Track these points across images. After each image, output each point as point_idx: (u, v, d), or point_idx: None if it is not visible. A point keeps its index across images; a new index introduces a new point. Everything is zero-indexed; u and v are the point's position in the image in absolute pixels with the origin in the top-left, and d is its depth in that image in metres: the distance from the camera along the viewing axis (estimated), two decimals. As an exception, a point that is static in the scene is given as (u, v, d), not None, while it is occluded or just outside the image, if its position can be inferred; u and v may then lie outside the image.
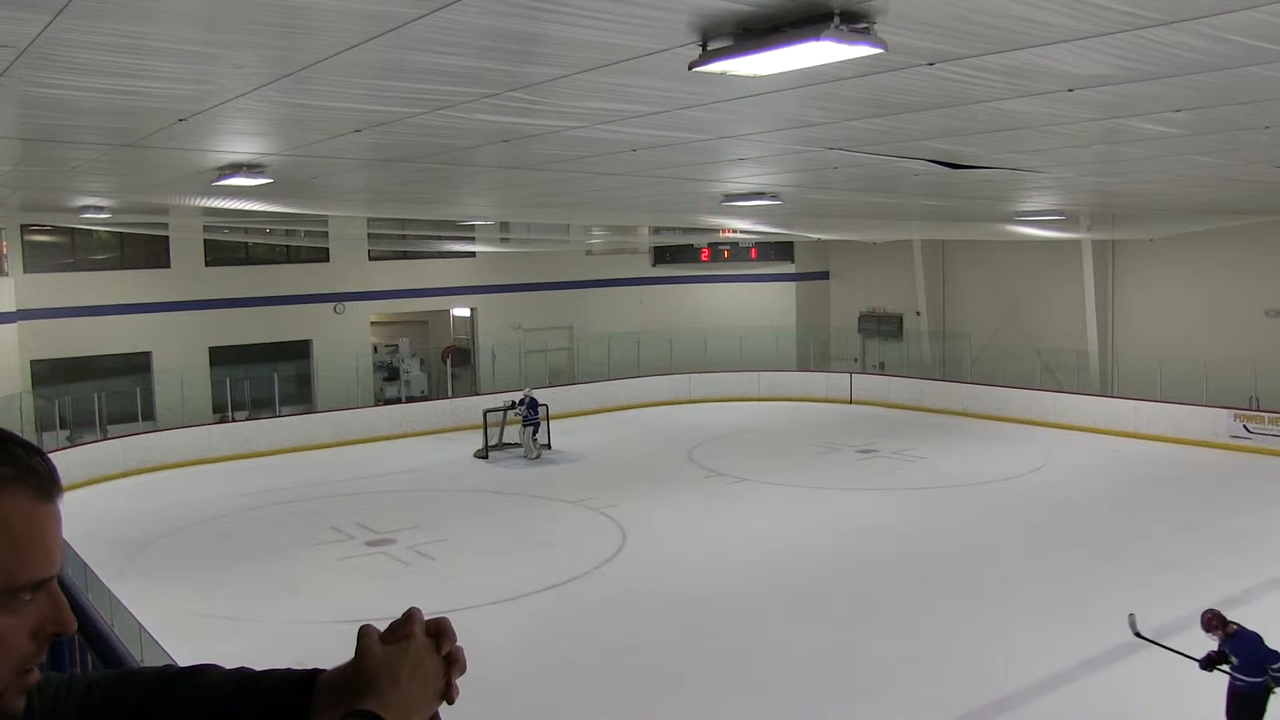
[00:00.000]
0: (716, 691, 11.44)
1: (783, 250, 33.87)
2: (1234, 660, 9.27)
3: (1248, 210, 20.82)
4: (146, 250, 26.15)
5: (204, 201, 14.93)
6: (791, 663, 11.98)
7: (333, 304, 28.96)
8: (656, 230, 30.88)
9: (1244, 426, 23.10)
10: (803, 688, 11.37)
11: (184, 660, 1.66)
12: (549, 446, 24.69)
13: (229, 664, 1.47)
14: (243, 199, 14.61)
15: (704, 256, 34.15)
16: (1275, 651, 9.18)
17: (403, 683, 1.29)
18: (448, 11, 4.40)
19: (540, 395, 24.89)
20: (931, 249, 31.56)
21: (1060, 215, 22.28)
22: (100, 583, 11.81)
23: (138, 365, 26.17)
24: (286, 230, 26.33)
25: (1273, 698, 9.19)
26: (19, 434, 1.23)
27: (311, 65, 5.63)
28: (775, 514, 18.85)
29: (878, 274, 33.24)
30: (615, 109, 7.36)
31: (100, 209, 17.68)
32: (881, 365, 32.83)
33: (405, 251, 29.91)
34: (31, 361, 24.58)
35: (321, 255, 28.79)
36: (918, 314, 32.19)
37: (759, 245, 33.28)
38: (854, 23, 4.39)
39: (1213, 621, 9.37)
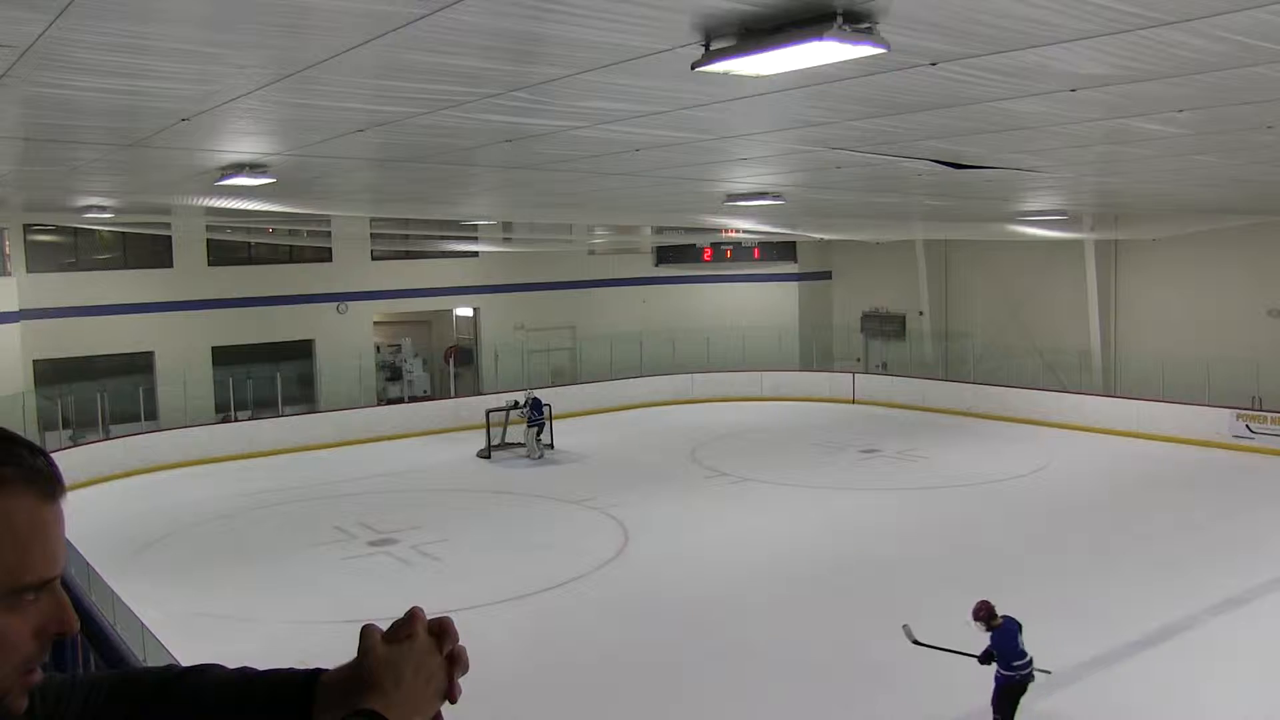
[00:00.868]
0: (718, 691, 11.45)
1: (785, 250, 33.86)
2: (995, 654, 9.69)
3: (1251, 210, 20.80)
4: (149, 250, 26.16)
5: (207, 201, 14.94)
6: (793, 662, 11.98)
7: (335, 304, 28.97)
8: (659, 230, 30.88)
9: (1246, 426, 23.08)
10: (804, 687, 11.37)
11: (186, 660, 1.66)
12: (551, 446, 24.70)
13: (231, 664, 1.47)
14: (245, 199, 14.61)
15: (707, 256, 34.13)
16: (1022, 650, 9.60)
17: (405, 682, 1.29)
18: (451, 11, 4.40)
19: (543, 395, 24.90)
20: (934, 249, 31.54)
21: (1063, 215, 22.26)
22: (103, 582, 11.82)
23: (140, 365, 26.19)
24: (289, 230, 26.35)
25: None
26: (21, 434, 1.23)
27: (314, 65, 5.63)
28: (778, 514, 18.85)
29: (880, 274, 33.23)
30: (618, 109, 7.36)
31: (103, 209, 17.68)
32: (884, 365, 32.83)
33: (408, 251, 29.92)
34: (34, 361, 24.60)
35: (324, 255, 28.80)
36: (920, 314, 32.17)
37: (762, 245, 33.26)
38: (857, 23, 4.39)
39: (980, 612, 9.76)
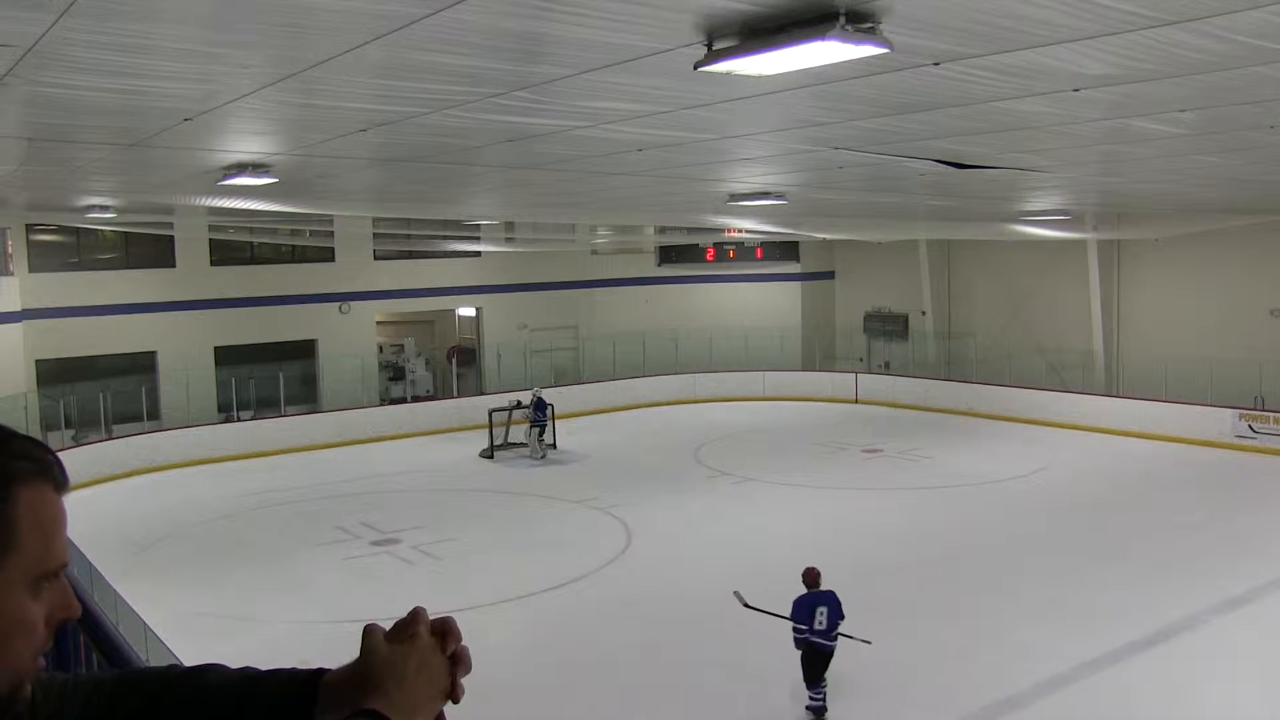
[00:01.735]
0: (719, 691, 11.44)
1: (788, 250, 33.84)
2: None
3: (1253, 210, 20.78)
4: (152, 250, 26.16)
5: (209, 201, 14.94)
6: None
7: (338, 304, 28.98)
8: (662, 230, 30.86)
9: (1249, 426, 23.06)
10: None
11: (189, 660, 1.66)
12: (554, 446, 24.70)
13: (234, 664, 1.47)
14: (248, 199, 14.62)
15: (709, 256, 34.12)
16: (806, 620, 10.48)
17: (408, 682, 1.29)
18: (453, 11, 4.40)
19: (546, 395, 24.91)
20: (937, 248, 31.53)
21: (1065, 215, 22.25)
22: (106, 582, 11.83)
23: (143, 365, 26.20)
24: (292, 230, 26.33)
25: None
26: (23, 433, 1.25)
27: (317, 65, 5.64)
28: (780, 514, 18.84)
29: (883, 274, 33.21)
30: (620, 109, 7.36)
31: (105, 209, 17.69)
32: (887, 365, 32.82)
33: (410, 251, 29.91)
34: (37, 361, 24.61)
35: (327, 255, 28.80)
36: (923, 314, 32.16)
37: (764, 245, 33.25)
38: (859, 23, 4.39)
39: (804, 577, 10.79)
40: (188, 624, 13.10)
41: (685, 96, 6.87)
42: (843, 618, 10.60)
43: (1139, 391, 25.78)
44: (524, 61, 5.74)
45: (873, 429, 26.85)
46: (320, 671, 1.38)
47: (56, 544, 1.21)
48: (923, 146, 9.78)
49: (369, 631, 1.34)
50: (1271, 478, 20.83)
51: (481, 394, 29.18)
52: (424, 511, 19.49)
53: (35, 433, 21.43)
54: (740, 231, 28.63)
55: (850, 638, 10.69)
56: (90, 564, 12.08)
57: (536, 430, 24.17)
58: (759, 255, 33.97)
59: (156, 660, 8.35)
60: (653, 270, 34.35)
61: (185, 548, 17.76)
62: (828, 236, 29.87)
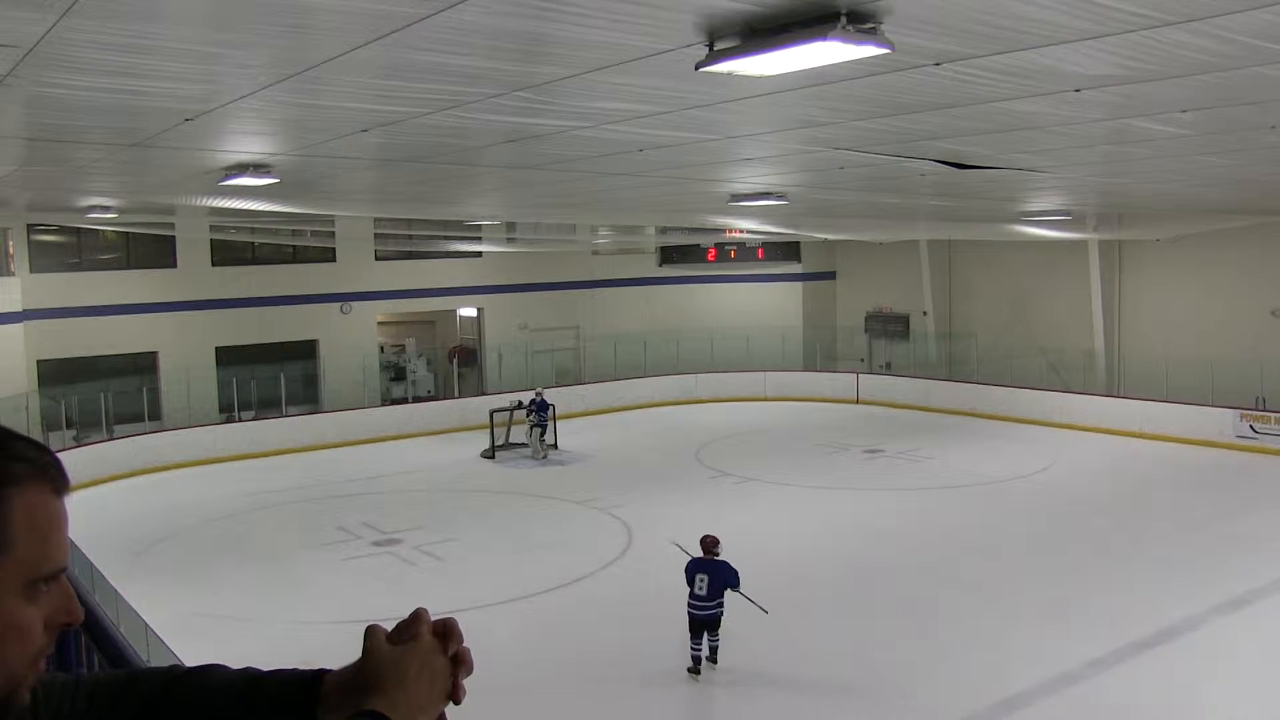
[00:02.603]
0: (720, 691, 11.44)
1: (789, 250, 33.84)
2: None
3: (1255, 210, 20.78)
4: (153, 250, 26.17)
5: (210, 202, 14.95)
6: (797, 662, 11.97)
7: (339, 304, 28.98)
8: (663, 230, 30.88)
9: (1250, 427, 23.05)
10: (807, 687, 11.36)
11: (190, 660, 1.66)
12: (555, 446, 24.70)
13: (235, 664, 1.47)
14: (249, 199, 14.62)
15: (711, 256, 34.11)
16: (693, 589, 11.49)
17: (409, 683, 1.29)
18: (454, 11, 4.40)
19: (547, 395, 24.91)
20: (938, 249, 31.52)
21: (1067, 215, 22.23)
22: (107, 583, 11.84)
23: (144, 365, 26.21)
24: (293, 230, 26.35)
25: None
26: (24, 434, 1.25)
27: (318, 65, 5.64)
28: (781, 514, 18.83)
29: (884, 274, 33.20)
30: (622, 109, 7.36)
31: (106, 209, 17.70)
32: (888, 365, 32.82)
33: (412, 251, 29.92)
34: (38, 361, 24.62)
35: (328, 255, 28.80)
36: (924, 314, 32.15)
37: (765, 245, 33.24)
38: (861, 23, 4.39)
39: (703, 541, 11.80)
40: (189, 624, 13.10)
41: (686, 97, 6.86)
42: (731, 587, 11.41)
43: (1140, 392, 25.77)
44: (525, 62, 5.74)
45: (874, 429, 26.84)
46: (322, 672, 1.38)
47: (54, 547, 1.20)
48: (924, 147, 9.78)
49: (370, 632, 1.34)
50: (1273, 478, 20.82)
51: (483, 394, 29.17)
52: (425, 512, 19.49)
53: (36, 433, 21.47)
54: (741, 232, 28.63)
55: (751, 601, 11.49)
56: (91, 564, 12.08)
57: (538, 431, 24.17)
58: (760, 255, 33.96)
59: (158, 660, 8.36)
60: (654, 270, 34.34)
61: (186, 548, 17.76)
62: (829, 237, 29.87)
